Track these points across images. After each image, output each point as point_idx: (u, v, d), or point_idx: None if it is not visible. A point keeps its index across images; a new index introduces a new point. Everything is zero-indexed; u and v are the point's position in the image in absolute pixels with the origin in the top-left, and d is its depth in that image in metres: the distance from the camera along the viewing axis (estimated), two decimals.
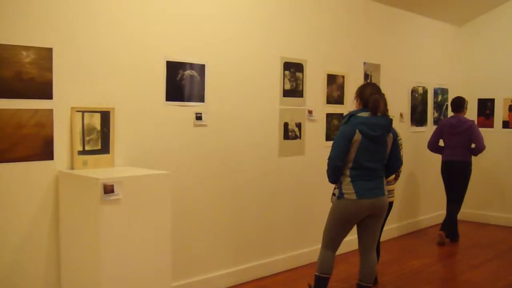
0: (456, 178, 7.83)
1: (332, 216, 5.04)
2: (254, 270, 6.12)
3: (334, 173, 4.91)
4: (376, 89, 5.02)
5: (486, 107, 9.34)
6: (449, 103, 9.46)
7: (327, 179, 5.02)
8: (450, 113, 9.47)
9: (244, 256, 6.03)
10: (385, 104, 5.33)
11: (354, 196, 4.82)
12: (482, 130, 7.98)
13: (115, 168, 4.69)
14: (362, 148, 4.80)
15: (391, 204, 5.84)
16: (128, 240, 4.13)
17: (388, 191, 5.39)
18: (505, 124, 9.26)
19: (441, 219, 9.29)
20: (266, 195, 6.23)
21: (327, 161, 4.92)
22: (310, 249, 6.74)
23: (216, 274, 5.71)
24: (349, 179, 4.85)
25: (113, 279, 4.05)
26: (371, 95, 4.89)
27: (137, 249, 4.19)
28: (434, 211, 9.13)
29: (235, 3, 5.76)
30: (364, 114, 4.87)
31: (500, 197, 9.14)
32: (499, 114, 9.34)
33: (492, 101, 9.32)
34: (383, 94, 5.17)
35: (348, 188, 4.85)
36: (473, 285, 6.38)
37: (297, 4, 6.48)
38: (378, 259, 5.91)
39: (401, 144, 5.75)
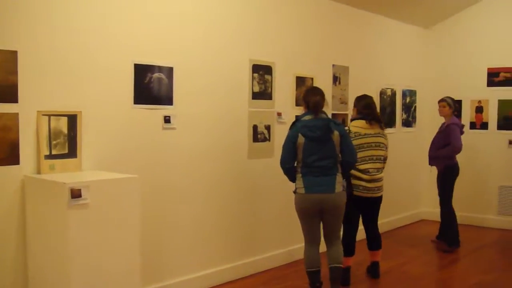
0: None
1: (296, 211, 5.44)
2: (225, 272, 6.10)
3: (288, 174, 5.41)
4: (318, 92, 5.40)
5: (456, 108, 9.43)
6: (417, 104, 9.57)
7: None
8: (419, 115, 9.60)
9: (215, 259, 6.00)
10: (373, 107, 6.20)
11: (303, 191, 5.27)
12: None
13: (82, 172, 4.63)
14: (307, 149, 5.21)
15: (380, 198, 6.22)
16: (97, 244, 4.08)
17: (377, 187, 6.05)
18: (473, 125, 9.38)
19: (410, 220, 9.40)
20: (235, 197, 6.22)
21: None
22: (283, 250, 6.76)
23: (187, 278, 5.68)
24: (300, 175, 5.30)
25: (82, 284, 3.99)
26: (311, 98, 5.33)
27: (106, 253, 4.14)
28: (401, 212, 9.21)
29: (203, 6, 5.75)
30: (307, 117, 5.30)
31: (467, 197, 9.25)
32: (467, 115, 9.46)
33: (459, 102, 9.42)
34: (371, 97, 6.24)
35: (299, 183, 5.31)
36: (444, 284, 6.46)
37: (266, 7, 6.49)
38: (380, 247, 6.38)
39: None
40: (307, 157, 5.21)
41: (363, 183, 5.99)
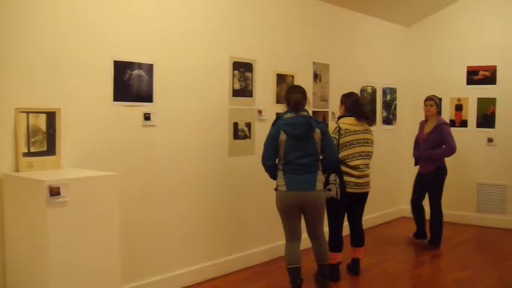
0: None
1: (277, 208, 5.50)
2: (207, 270, 6.10)
3: (269, 171, 5.47)
4: (299, 90, 5.49)
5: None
6: (397, 102, 9.62)
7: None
8: (399, 113, 9.65)
9: (196, 256, 6.00)
10: (359, 104, 6.29)
11: (284, 188, 5.34)
12: None
13: (61, 170, 4.60)
14: (289, 146, 5.28)
15: (368, 194, 6.32)
16: (76, 242, 4.06)
17: (367, 182, 6.21)
18: (452, 123, 9.45)
19: (390, 217, 9.46)
20: (216, 195, 6.21)
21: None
22: (265, 247, 6.78)
23: (168, 275, 5.67)
24: (281, 172, 5.37)
25: (61, 283, 3.98)
26: (292, 96, 5.42)
27: (86, 251, 4.12)
28: (381, 210, 9.27)
29: (184, 3, 5.73)
30: (289, 115, 5.38)
31: (446, 195, 9.29)
32: (446, 113, 9.52)
33: (439, 100, 9.47)
34: (357, 94, 6.47)
35: (280, 180, 5.37)
36: (422, 281, 6.51)
37: (247, 4, 6.48)
38: (363, 244, 6.46)
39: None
40: (289, 155, 5.29)
41: (354, 179, 6.10)
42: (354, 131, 6.12)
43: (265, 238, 6.89)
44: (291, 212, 5.41)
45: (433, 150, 7.53)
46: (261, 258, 6.82)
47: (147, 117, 5.36)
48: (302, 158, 5.30)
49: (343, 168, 6.03)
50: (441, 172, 7.61)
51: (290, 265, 5.45)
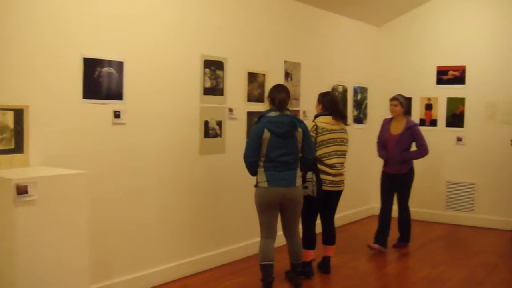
0: None
1: (255, 204, 5.62)
2: (178, 268, 6.07)
3: (251, 168, 5.57)
4: (283, 89, 5.66)
5: (409, 108, 9.57)
6: (368, 101, 9.68)
7: (249, 175, 5.69)
8: (370, 112, 9.71)
9: (166, 255, 5.96)
10: (336, 103, 6.35)
11: (265, 184, 5.46)
12: None
13: (29, 168, 4.53)
14: (272, 144, 5.42)
15: (341, 192, 6.38)
16: (44, 241, 4.02)
17: (342, 180, 6.29)
18: (422, 122, 9.55)
19: (360, 216, 9.51)
20: (187, 193, 6.18)
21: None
22: (237, 246, 6.78)
23: (137, 275, 5.63)
24: (262, 169, 5.50)
25: (29, 282, 3.93)
26: (277, 95, 5.57)
27: (53, 250, 4.09)
28: (351, 208, 9.32)
29: (155, 0, 5.69)
30: (273, 114, 5.52)
31: (416, 193, 9.38)
32: (416, 112, 9.64)
33: (409, 99, 9.56)
34: (333, 93, 6.51)
35: (261, 177, 5.50)
36: (392, 278, 6.56)
37: (218, 2, 6.46)
38: (334, 242, 6.50)
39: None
40: (271, 152, 5.43)
41: (330, 177, 6.18)
42: (331, 130, 6.19)
43: (238, 236, 6.88)
44: (270, 208, 5.53)
45: (407, 152, 7.45)
46: (234, 256, 6.81)
47: (117, 115, 5.31)
48: (284, 156, 5.45)
49: (320, 166, 6.10)
50: (413, 173, 7.56)
51: (263, 262, 5.54)
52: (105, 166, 5.27)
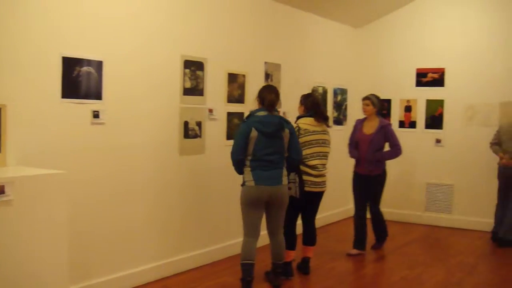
0: None
1: (241, 203, 5.68)
2: (157, 269, 6.04)
3: (237, 166, 5.65)
4: (273, 90, 5.75)
5: (383, 107, 9.60)
6: (348, 103, 9.71)
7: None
8: (350, 113, 9.73)
9: (146, 256, 5.94)
10: (319, 105, 6.40)
11: (252, 183, 5.54)
12: None
13: (7, 167, 4.49)
14: (259, 143, 5.51)
15: (322, 193, 6.42)
16: (22, 242, 3.98)
17: (324, 181, 6.35)
18: (401, 124, 9.62)
19: (339, 217, 9.54)
20: (167, 194, 6.16)
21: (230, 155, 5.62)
22: (217, 247, 6.77)
23: (116, 276, 5.60)
24: (249, 169, 5.58)
25: (5, 283, 3.89)
26: (267, 96, 5.67)
27: (32, 251, 4.05)
28: (330, 209, 9.34)
29: (135, 0, 5.68)
30: (262, 113, 5.61)
31: (396, 194, 9.47)
32: (396, 114, 9.70)
33: (388, 101, 9.64)
34: (316, 95, 6.66)
35: (248, 176, 5.58)
36: (370, 279, 6.59)
37: (198, 3, 6.45)
38: (315, 243, 6.53)
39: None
40: (258, 151, 5.53)
41: (312, 178, 6.22)
42: (313, 131, 6.22)
43: (217, 237, 6.87)
44: (256, 207, 5.62)
45: (380, 152, 7.32)
46: (215, 257, 6.80)
47: (96, 114, 5.28)
48: (270, 155, 5.55)
49: (302, 167, 6.14)
50: (385, 175, 7.41)
51: (244, 260, 5.59)
52: (84, 166, 5.23)
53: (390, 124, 7.49)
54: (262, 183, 5.52)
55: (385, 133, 7.27)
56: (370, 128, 7.34)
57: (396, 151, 7.30)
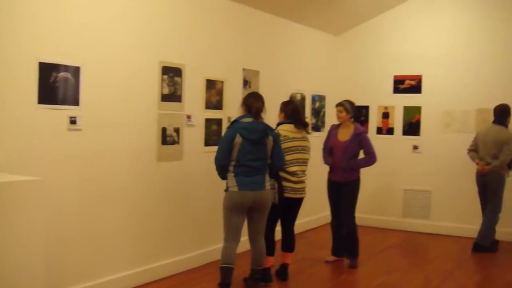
0: None
1: (223, 208, 5.72)
2: (134, 276, 6.01)
3: (221, 171, 5.70)
4: (259, 98, 5.84)
5: (361, 113, 9.68)
6: (326, 109, 9.74)
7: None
8: (328, 120, 9.76)
9: (123, 263, 5.90)
10: (299, 112, 6.47)
11: (236, 189, 5.58)
12: None
13: None
14: (243, 149, 5.57)
15: (302, 200, 6.46)
16: None
17: (303, 188, 6.37)
18: (379, 130, 9.68)
19: (317, 223, 9.55)
20: (144, 200, 6.13)
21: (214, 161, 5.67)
22: (194, 253, 6.74)
23: (92, 283, 5.54)
24: (232, 174, 5.63)
25: None
26: (253, 103, 5.75)
27: (8, 258, 4.00)
28: (309, 215, 9.35)
29: (112, 5, 5.64)
30: (247, 120, 5.69)
31: (373, 200, 9.52)
32: (374, 120, 9.76)
33: (366, 108, 9.70)
34: (296, 102, 6.72)
35: (231, 182, 5.62)
36: (349, 285, 6.61)
37: (176, 9, 6.45)
38: (293, 250, 6.56)
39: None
40: (242, 157, 5.59)
41: (291, 185, 6.25)
42: (293, 138, 6.26)
43: (196, 244, 6.85)
44: (238, 212, 5.66)
45: (355, 160, 7.13)
46: (192, 263, 6.77)
47: (72, 121, 5.24)
48: (253, 161, 5.62)
49: (281, 173, 6.17)
50: (359, 182, 7.18)
51: (224, 264, 5.61)
52: (61, 173, 5.19)
53: (365, 132, 7.30)
54: (246, 189, 5.57)
55: (359, 140, 7.09)
56: (345, 134, 7.17)
57: (370, 159, 7.13)
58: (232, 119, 5.87)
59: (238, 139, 5.56)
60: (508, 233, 8.54)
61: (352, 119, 7.23)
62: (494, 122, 8.07)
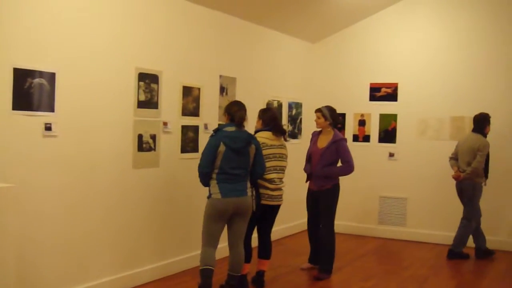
0: None
1: (205, 214, 5.75)
2: (112, 283, 5.96)
3: (204, 178, 5.74)
4: (242, 107, 5.89)
5: (338, 120, 9.68)
6: (303, 117, 9.77)
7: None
8: (305, 127, 9.79)
9: (100, 270, 5.85)
10: (277, 119, 6.51)
11: (219, 196, 5.63)
12: None
13: None
14: (226, 158, 5.63)
15: (279, 207, 6.49)
16: None
17: (280, 195, 6.42)
18: (355, 138, 9.73)
19: (294, 230, 9.56)
20: (119, 207, 6.09)
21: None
22: (167, 262, 6.70)
23: None
24: (215, 181, 5.67)
25: None
26: (237, 112, 5.81)
27: None
28: (286, 222, 9.36)
29: (89, 11, 5.61)
30: (230, 128, 5.75)
31: (349, 208, 9.54)
32: (350, 128, 9.81)
33: (343, 115, 9.74)
34: (273, 109, 6.76)
35: (214, 189, 5.66)
36: None
37: (153, 15, 6.43)
38: (270, 257, 6.55)
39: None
40: (225, 164, 5.65)
41: (269, 192, 6.29)
42: (271, 145, 6.30)
43: (173, 250, 6.82)
44: (220, 219, 5.70)
45: (330, 167, 6.97)
46: (171, 270, 6.77)
47: (48, 127, 5.19)
48: (236, 169, 5.69)
49: (259, 181, 6.19)
50: (337, 190, 7.03)
51: (204, 266, 5.63)
52: (36, 180, 5.13)
53: (344, 139, 7.05)
54: (229, 195, 5.63)
55: (337, 148, 6.92)
56: (323, 141, 7.06)
57: (347, 167, 6.93)
58: (212, 127, 5.99)
59: (222, 148, 5.61)
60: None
61: (331, 126, 7.09)
62: (473, 130, 8.16)
